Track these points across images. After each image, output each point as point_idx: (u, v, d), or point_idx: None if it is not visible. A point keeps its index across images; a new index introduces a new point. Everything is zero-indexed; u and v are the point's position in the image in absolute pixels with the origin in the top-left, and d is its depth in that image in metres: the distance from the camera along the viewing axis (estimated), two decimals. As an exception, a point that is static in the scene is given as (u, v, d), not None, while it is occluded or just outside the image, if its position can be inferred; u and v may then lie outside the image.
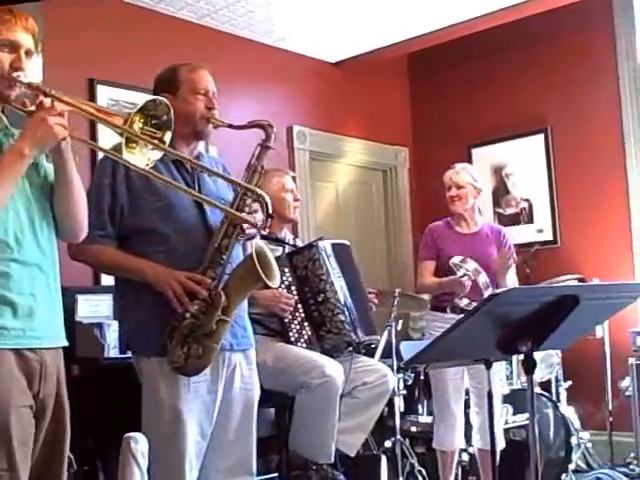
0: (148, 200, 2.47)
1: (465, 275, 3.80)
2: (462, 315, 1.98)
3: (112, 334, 3.43)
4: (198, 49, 4.62)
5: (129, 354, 2.57)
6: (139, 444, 2.14)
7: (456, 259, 3.90)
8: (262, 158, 2.57)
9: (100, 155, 2.97)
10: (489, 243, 4.07)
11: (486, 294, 3.74)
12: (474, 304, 3.46)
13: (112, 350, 3.45)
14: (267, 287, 2.46)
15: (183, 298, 2.34)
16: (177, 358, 2.33)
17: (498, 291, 1.69)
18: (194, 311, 2.34)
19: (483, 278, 3.85)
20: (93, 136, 3.83)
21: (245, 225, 2.44)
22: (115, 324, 3.37)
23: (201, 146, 2.81)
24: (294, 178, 3.88)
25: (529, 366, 1.96)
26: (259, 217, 2.50)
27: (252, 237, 2.53)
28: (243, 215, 2.38)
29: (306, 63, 5.56)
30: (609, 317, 3.64)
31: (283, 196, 3.63)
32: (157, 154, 1.96)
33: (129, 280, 2.49)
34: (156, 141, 1.92)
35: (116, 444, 2.36)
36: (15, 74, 1.92)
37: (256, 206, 2.51)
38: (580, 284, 3.65)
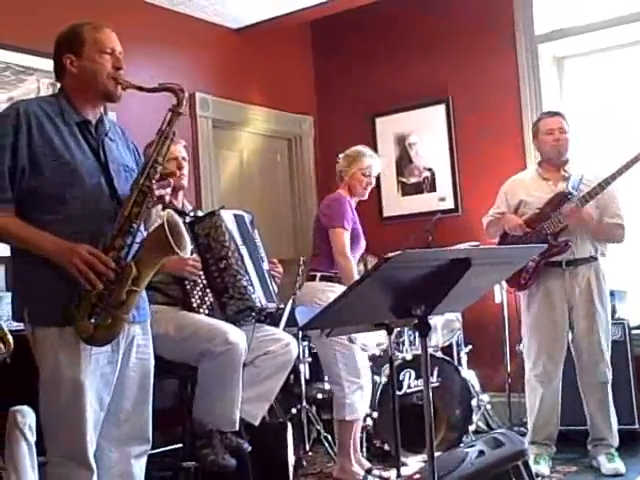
0: (50, 162, 2.34)
1: None
2: None
3: (4, 307, 3.29)
4: (94, 11, 4.44)
5: (20, 326, 2.46)
6: (26, 417, 2.07)
7: None
8: (173, 124, 2.46)
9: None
10: None
11: None
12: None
13: (5, 322, 3.31)
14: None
15: (89, 276, 2.25)
16: (86, 328, 2.27)
17: (390, 255, 1.69)
18: (102, 287, 2.27)
19: None
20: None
21: (156, 193, 2.38)
22: (8, 296, 3.24)
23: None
24: (186, 147, 3.75)
25: (423, 329, 1.99)
26: (169, 190, 2.47)
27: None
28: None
29: (207, 29, 5.43)
30: (500, 280, 3.72)
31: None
32: None
33: None
34: None
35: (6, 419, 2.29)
36: None
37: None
38: (471, 247, 3.72)
